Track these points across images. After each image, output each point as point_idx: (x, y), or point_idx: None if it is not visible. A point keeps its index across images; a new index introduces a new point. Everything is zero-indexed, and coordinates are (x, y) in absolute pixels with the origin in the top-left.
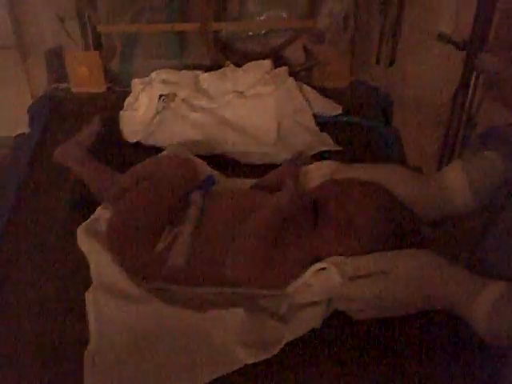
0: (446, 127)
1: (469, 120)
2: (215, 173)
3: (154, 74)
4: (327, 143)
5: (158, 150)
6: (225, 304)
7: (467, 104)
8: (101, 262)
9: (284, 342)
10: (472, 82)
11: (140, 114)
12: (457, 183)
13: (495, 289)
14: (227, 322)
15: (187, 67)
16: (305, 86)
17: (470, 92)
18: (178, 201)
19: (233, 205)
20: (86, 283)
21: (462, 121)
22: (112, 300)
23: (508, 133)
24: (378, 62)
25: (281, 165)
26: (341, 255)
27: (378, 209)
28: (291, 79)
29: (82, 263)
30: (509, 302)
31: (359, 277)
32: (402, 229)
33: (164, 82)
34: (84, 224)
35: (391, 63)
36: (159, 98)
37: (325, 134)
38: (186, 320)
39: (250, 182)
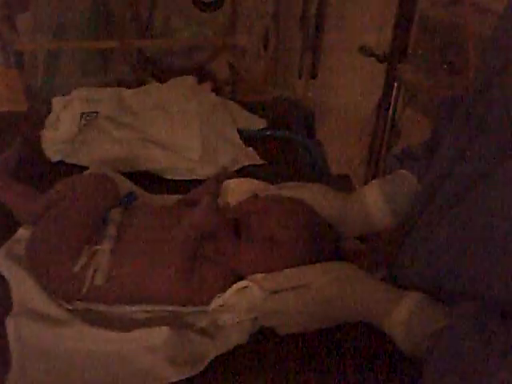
0: (371, 136)
1: (392, 128)
2: (138, 190)
3: (75, 92)
4: (252, 157)
5: (82, 168)
6: (149, 322)
7: (390, 113)
8: (22, 286)
9: (210, 357)
10: (394, 93)
11: (62, 132)
12: (375, 202)
13: (411, 300)
14: (152, 341)
15: (110, 84)
16: (228, 101)
17: (392, 102)
18: (96, 219)
19: (154, 221)
20: (7, 308)
21: (386, 129)
22: (34, 324)
23: (419, 151)
24: (300, 76)
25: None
26: (263, 272)
27: (300, 225)
28: (214, 95)
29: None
30: (423, 313)
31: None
32: (323, 245)
33: (86, 99)
34: (4, 246)
35: (313, 77)
36: (81, 116)
37: (249, 148)
38: (110, 341)
39: (174, 198)
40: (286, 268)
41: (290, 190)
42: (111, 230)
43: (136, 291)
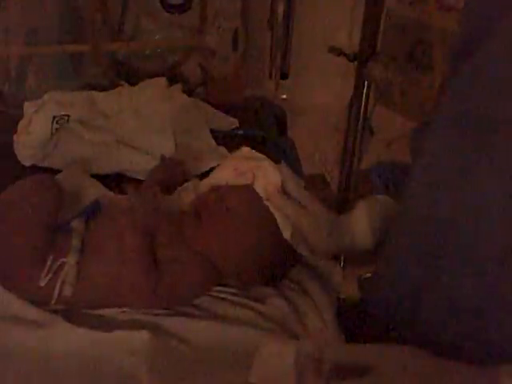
0: (344, 134)
1: (365, 125)
2: (107, 193)
3: (46, 96)
4: (223, 157)
5: (55, 171)
6: (130, 325)
7: (362, 111)
8: None
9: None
10: (364, 91)
11: (34, 136)
12: (361, 227)
13: None
14: (132, 343)
15: (82, 88)
16: (200, 101)
17: (364, 100)
18: (51, 226)
19: (114, 227)
20: None
21: (359, 127)
22: (16, 329)
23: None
24: (270, 76)
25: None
26: (224, 245)
27: (254, 199)
28: (185, 96)
29: None
30: None
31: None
32: None
33: (57, 103)
34: None
35: (284, 77)
36: (53, 120)
37: (222, 147)
38: (93, 342)
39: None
40: (245, 239)
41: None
42: (75, 242)
43: (104, 299)
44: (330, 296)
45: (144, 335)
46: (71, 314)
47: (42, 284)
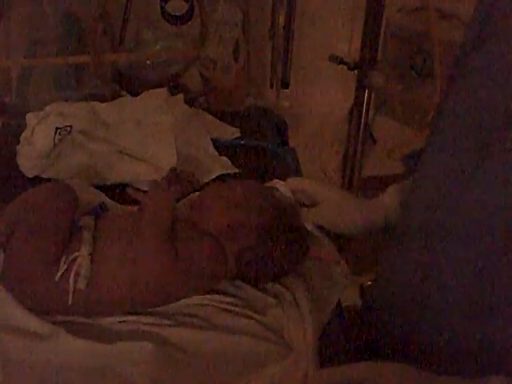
0: (345, 143)
1: (366, 134)
2: (111, 203)
3: (49, 108)
4: (226, 166)
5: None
6: (134, 336)
7: (363, 120)
8: (1, 305)
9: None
10: (365, 99)
11: (37, 147)
12: (393, 207)
13: None
14: (134, 356)
15: (84, 99)
16: (201, 111)
17: (364, 108)
18: (65, 227)
19: (127, 225)
20: None
21: (360, 135)
22: (19, 341)
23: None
24: (271, 86)
25: None
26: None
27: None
28: (186, 106)
29: None
30: None
31: None
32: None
33: (60, 114)
34: None
35: (285, 86)
36: (56, 131)
37: (224, 157)
38: (95, 354)
39: None
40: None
41: None
42: (86, 236)
43: (118, 296)
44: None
45: (146, 346)
46: (73, 325)
47: (57, 278)
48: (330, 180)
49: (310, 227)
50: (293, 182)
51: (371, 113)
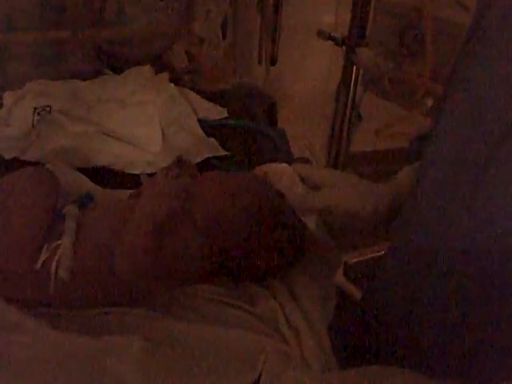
0: (331, 120)
1: (353, 112)
2: (94, 187)
3: (26, 86)
4: (214, 149)
5: (37, 165)
6: (120, 328)
7: (350, 97)
8: None
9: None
10: (353, 76)
11: (14, 128)
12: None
13: None
14: (123, 352)
15: (64, 76)
16: (187, 90)
17: (352, 86)
18: (47, 214)
19: (111, 214)
20: None
21: (347, 113)
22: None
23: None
24: (260, 62)
25: None
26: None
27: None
28: (172, 85)
29: None
30: None
31: None
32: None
33: (38, 93)
34: None
35: (273, 62)
36: (34, 111)
37: (211, 139)
38: (80, 348)
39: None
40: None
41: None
42: (69, 225)
43: (102, 285)
44: (322, 306)
45: (135, 341)
46: (56, 317)
47: (38, 266)
48: (316, 158)
49: (312, 222)
50: (300, 167)
51: (359, 90)
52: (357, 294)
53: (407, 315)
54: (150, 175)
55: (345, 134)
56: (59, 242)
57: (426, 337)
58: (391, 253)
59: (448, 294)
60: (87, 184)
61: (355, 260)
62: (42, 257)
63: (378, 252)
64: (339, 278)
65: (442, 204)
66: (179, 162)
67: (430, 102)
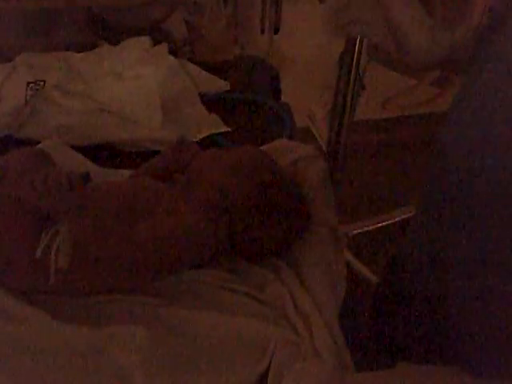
0: (334, 90)
1: (356, 82)
2: (93, 167)
3: (18, 59)
4: (216, 125)
5: (33, 142)
6: (122, 317)
7: (354, 66)
8: None
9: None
10: (357, 44)
11: (6, 104)
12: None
13: None
14: (126, 342)
15: (58, 48)
16: (188, 63)
17: (356, 54)
18: (44, 200)
19: (113, 197)
20: None
21: (350, 83)
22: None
23: None
24: (262, 32)
25: None
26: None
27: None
28: (171, 57)
29: None
30: None
31: None
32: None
33: (31, 67)
34: None
35: (276, 31)
36: (27, 86)
37: (213, 114)
38: (81, 337)
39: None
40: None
41: None
42: (68, 211)
43: (105, 270)
44: (332, 291)
45: (138, 331)
46: (56, 305)
47: (38, 254)
48: (317, 128)
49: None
50: None
51: (363, 59)
52: (364, 270)
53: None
54: (151, 153)
55: (348, 103)
56: (57, 228)
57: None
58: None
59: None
60: (85, 163)
61: (356, 232)
62: (41, 244)
63: (380, 223)
64: (346, 254)
65: None
66: (181, 143)
67: (436, 72)
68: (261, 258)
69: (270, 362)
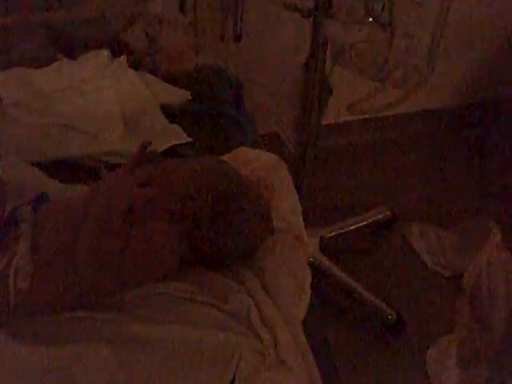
0: (302, 94)
1: (323, 85)
2: (53, 183)
3: None
4: (178, 136)
5: None
6: (86, 335)
7: (319, 71)
8: None
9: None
10: (322, 49)
11: None
12: None
13: None
14: (89, 361)
15: (15, 64)
16: (148, 75)
17: (320, 59)
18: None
19: (70, 212)
20: None
21: (316, 88)
22: None
23: None
24: (223, 40)
25: None
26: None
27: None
28: (131, 70)
29: None
30: None
31: None
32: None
33: None
34: None
35: (238, 39)
36: None
37: (175, 125)
38: (45, 358)
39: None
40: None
41: None
42: (25, 229)
43: (67, 288)
44: (297, 298)
45: (102, 350)
46: (18, 326)
47: None
48: (286, 133)
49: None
50: None
51: (328, 63)
52: (334, 269)
53: None
54: (113, 166)
55: (315, 108)
56: (15, 248)
57: None
58: None
59: None
60: (43, 180)
61: (331, 234)
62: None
63: (355, 225)
64: (316, 253)
65: None
66: (143, 148)
67: (399, 74)
68: (224, 266)
69: (236, 372)
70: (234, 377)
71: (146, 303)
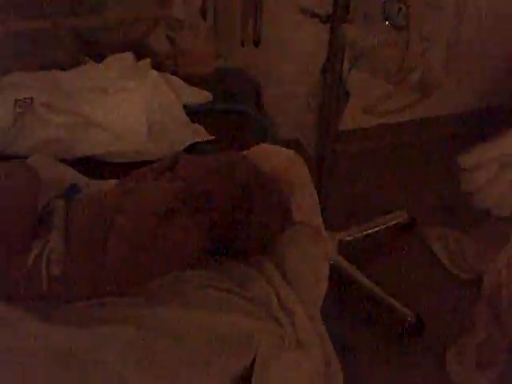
0: (320, 99)
1: (340, 90)
2: (82, 178)
3: (6, 78)
4: (200, 134)
5: (21, 158)
6: (112, 319)
7: (337, 75)
8: None
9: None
10: (339, 54)
11: None
12: None
13: None
14: (116, 342)
15: (44, 67)
16: (170, 76)
17: (338, 64)
18: (33, 211)
19: (100, 205)
20: None
21: (334, 92)
22: None
23: None
24: (243, 45)
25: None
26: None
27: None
28: (155, 72)
29: None
30: None
31: None
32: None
33: (19, 85)
34: None
35: (256, 44)
36: (15, 103)
37: (197, 124)
38: (71, 339)
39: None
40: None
41: None
42: (58, 219)
43: (97, 276)
44: (314, 286)
45: (129, 331)
46: (46, 309)
47: (30, 262)
48: (306, 138)
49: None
50: None
51: (346, 67)
52: (353, 272)
53: None
54: (136, 164)
55: (333, 112)
56: (49, 237)
57: None
58: None
59: None
60: (73, 175)
61: (350, 238)
62: (33, 254)
63: (373, 229)
64: (333, 256)
65: None
66: (175, 158)
67: (415, 77)
68: (244, 256)
69: (255, 355)
70: (254, 358)
71: (171, 290)
